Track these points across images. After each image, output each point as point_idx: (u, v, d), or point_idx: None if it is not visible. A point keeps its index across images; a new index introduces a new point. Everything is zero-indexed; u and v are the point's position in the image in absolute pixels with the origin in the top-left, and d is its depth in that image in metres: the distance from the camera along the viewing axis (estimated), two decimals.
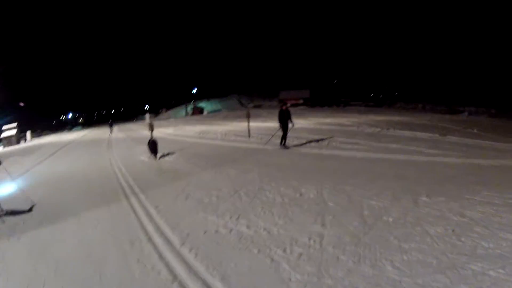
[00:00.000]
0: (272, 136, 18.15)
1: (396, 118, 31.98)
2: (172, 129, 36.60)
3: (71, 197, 10.91)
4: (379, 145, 15.80)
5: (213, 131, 27.32)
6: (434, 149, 14.38)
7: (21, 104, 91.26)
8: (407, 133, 19.93)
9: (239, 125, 29.77)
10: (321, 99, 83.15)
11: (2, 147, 50.89)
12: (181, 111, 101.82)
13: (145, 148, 17.40)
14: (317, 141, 17.69)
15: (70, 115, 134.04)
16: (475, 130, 21.61)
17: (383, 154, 13.90)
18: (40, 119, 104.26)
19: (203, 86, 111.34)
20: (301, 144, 17.09)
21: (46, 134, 79.03)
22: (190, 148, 19.55)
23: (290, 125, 16.41)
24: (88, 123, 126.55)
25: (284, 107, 16.64)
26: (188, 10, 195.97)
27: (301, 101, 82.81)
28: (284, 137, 16.43)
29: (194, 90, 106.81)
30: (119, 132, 46.28)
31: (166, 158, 16.49)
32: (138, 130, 42.82)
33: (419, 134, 19.34)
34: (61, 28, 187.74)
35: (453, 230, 6.02)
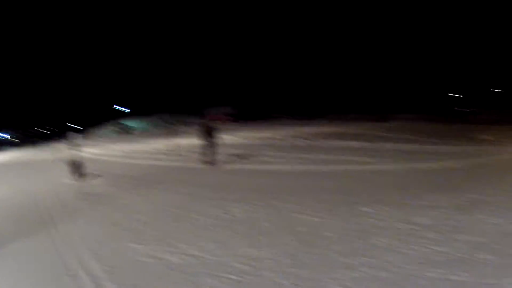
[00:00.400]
0: (201, 153, 17.50)
1: (327, 129, 32.21)
2: (99, 149, 34.77)
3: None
4: (312, 157, 15.66)
5: (140, 150, 26.35)
6: (370, 158, 14.51)
7: None
8: (340, 143, 20.03)
9: (167, 143, 28.69)
10: (249, 114, 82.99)
11: None
12: (107, 129, 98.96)
13: (70, 169, 16.20)
14: (247, 157, 17.38)
15: (5, 136, 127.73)
16: (409, 136, 22.13)
17: (317, 166, 13.77)
18: None
19: (131, 105, 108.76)
20: (231, 161, 16.64)
21: None
22: (117, 169, 18.47)
23: (217, 141, 16.00)
24: (20, 143, 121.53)
25: (209, 123, 16.38)
26: (109, 30, 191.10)
27: (228, 117, 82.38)
28: (212, 155, 15.91)
29: (122, 109, 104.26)
30: (48, 151, 43.15)
31: (92, 181, 15.35)
32: (66, 150, 40.75)
33: (352, 143, 19.50)
34: None
35: (402, 239, 5.75)
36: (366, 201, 8.11)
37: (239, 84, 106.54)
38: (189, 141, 27.90)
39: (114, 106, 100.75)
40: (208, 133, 15.81)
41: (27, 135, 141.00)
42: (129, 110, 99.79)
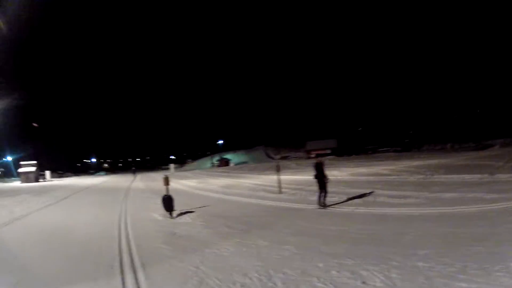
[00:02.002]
0: (308, 192, 15.44)
1: (432, 161, 30.54)
2: (196, 182, 34.57)
3: (55, 265, 8.25)
4: (432, 196, 13.65)
5: (239, 185, 24.84)
6: (496, 193, 12.79)
7: (35, 125, 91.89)
8: (454, 177, 18.59)
9: (268, 178, 27.41)
10: (348, 148, 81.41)
11: (20, 182, 53.76)
12: (206, 162, 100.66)
13: (162, 203, 14.90)
14: (359, 196, 15.11)
15: (93, 160, 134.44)
16: None
17: (443, 207, 11.69)
18: (64, 160, 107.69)
19: (229, 138, 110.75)
20: (342, 202, 14.40)
21: (68, 175, 79.64)
22: (213, 206, 16.76)
23: (326, 179, 13.84)
24: (113, 169, 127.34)
25: (318, 160, 14.51)
26: (213, 64, 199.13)
27: (329, 151, 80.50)
28: (323, 195, 13.72)
29: (220, 142, 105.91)
30: (141, 181, 44.20)
31: (183, 218, 13.88)
32: (160, 181, 40.50)
33: (467, 177, 18.16)
34: (87, 76, 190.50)
35: None
36: None
37: (337, 118, 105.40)
38: (291, 177, 26.59)
39: (218, 141, 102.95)
40: (317, 169, 13.85)
41: (122, 162, 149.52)
42: (222, 142, 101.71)
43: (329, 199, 14.19)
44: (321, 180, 13.70)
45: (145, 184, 37.34)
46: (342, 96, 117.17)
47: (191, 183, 33.55)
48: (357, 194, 15.44)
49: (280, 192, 18.43)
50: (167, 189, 15.20)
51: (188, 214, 14.67)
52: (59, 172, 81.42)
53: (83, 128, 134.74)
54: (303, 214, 12.93)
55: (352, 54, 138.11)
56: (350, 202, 14.31)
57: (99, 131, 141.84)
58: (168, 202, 14.55)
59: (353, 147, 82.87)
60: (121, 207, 18.82)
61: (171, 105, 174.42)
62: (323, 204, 13.61)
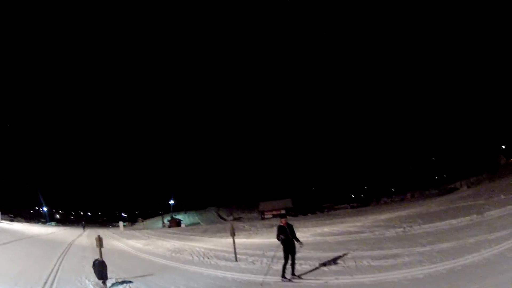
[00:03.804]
0: (271, 260, 12.20)
1: (402, 212, 29.12)
2: (143, 243, 31.38)
3: None
4: (427, 250, 11.56)
5: (189, 249, 21.61)
6: (499, 231, 11.89)
7: None
8: (438, 225, 16.97)
9: (221, 242, 24.65)
10: (303, 207, 79.38)
11: None
12: (157, 222, 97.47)
13: (94, 268, 12.22)
14: (335, 260, 12.38)
15: (45, 209, 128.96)
16: (502, 196, 20.99)
17: (447, 261, 9.65)
18: (17, 204, 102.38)
19: (181, 198, 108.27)
20: (315, 269, 11.51)
21: (19, 220, 76.35)
22: (156, 276, 13.54)
23: (297, 245, 10.94)
24: (64, 220, 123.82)
25: (283, 221, 11.33)
26: (167, 126, 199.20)
27: (283, 211, 77.44)
28: (291, 264, 10.74)
29: (171, 202, 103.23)
30: (87, 237, 40.29)
31: None
32: (107, 239, 37.16)
33: (453, 221, 16.82)
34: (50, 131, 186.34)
35: None
36: None
37: (291, 177, 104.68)
38: (247, 240, 24.31)
39: (169, 201, 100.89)
40: (282, 233, 10.92)
41: (74, 215, 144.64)
42: (173, 202, 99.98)
43: (298, 267, 11.46)
44: (289, 245, 10.86)
45: (90, 241, 33.78)
46: (294, 156, 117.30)
47: (138, 244, 30.49)
48: (332, 258, 12.73)
49: (237, 260, 15.34)
50: (100, 252, 12.50)
51: (125, 285, 11.75)
52: (10, 215, 76.78)
53: (38, 176, 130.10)
54: None
55: (299, 111, 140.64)
56: (326, 269, 11.48)
57: (53, 181, 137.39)
58: (100, 269, 11.85)
59: (308, 206, 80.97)
60: (55, 265, 16.41)
61: (123, 163, 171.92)
62: (293, 275, 10.72)
